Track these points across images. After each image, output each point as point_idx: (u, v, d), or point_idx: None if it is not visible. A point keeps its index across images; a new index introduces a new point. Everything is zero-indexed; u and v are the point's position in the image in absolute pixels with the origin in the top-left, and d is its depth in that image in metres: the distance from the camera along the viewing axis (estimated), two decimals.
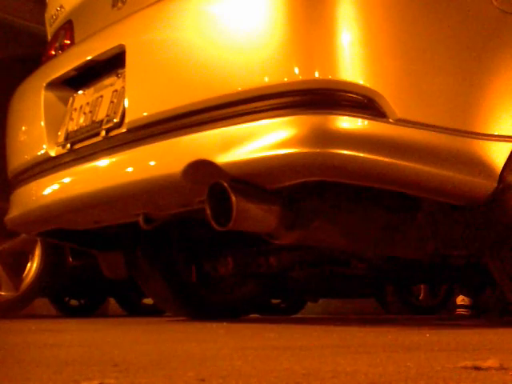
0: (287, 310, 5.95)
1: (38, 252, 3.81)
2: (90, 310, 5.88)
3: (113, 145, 2.35)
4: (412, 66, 2.01)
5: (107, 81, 2.50)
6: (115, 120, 2.34)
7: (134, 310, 5.88)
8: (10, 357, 1.35)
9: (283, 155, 1.88)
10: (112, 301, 6.26)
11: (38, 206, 2.69)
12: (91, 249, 3.26)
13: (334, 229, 2.28)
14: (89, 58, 2.56)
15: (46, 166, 2.65)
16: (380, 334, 2.08)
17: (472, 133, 2.07)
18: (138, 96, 2.29)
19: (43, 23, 3.19)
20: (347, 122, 1.88)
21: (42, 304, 5.56)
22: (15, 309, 3.81)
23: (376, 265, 3.08)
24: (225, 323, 2.85)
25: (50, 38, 3.06)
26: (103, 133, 2.39)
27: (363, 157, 1.89)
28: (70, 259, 4.23)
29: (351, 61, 1.90)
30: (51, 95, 2.72)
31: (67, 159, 2.56)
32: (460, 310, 4.88)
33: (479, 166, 2.09)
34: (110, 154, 2.35)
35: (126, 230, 3.05)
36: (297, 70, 1.89)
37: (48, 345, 1.66)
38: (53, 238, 3.17)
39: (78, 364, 1.16)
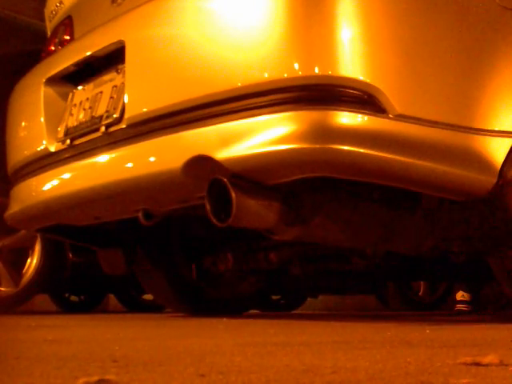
0: (287, 306, 5.95)
1: (37, 248, 3.81)
2: (90, 306, 5.88)
3: (112, 140, 2.34)
4: (412, 61, 2.00)
5: (107, 76, 2.49)
6: (115, 115, 2.34)
7: (133, 306, 5.88)
8: (10, 353, 1.35)
9: (283, 151, 1.88)
10: (112, 297, 6.26)
11: (37, 202, 2.69)
12: (91, 245, 3.26)
13: (334, 225, 2.27)
14: (88, 53, 2.56)
15: (45, 162, 2.64)
16: (380, 330, 2.08)
17: (472, 128, 2.07)
18: (137, 92, 2.29)
19: (43, 19, 3.18)
20: (347, 118, 1.88)
21: (42, 300, 5.56)
22: (15, 305, 3.81)
23: (376, 261, 3.08)
24: (224, 319, 2.85)
25: (49, 33, 3.06)
26: (103, 128, 2.39)
27: (363, 152, 1.89)
28: (70, 255, 4.24)
29: (351, 56, 1.89)
30: (51, 91, 2.72)
31: (67, 155, 2.56)
32: (460, 306, 4.88)
33: (479, 161, 2.09)
34: (109, 150, 2.35)
35: (126, 227, 3.05)
36: (297, 66, 1.89)
37: (48, 341, 1.66)
38: (53, 233, 3.17)
39: (78, 360, 1.16)
